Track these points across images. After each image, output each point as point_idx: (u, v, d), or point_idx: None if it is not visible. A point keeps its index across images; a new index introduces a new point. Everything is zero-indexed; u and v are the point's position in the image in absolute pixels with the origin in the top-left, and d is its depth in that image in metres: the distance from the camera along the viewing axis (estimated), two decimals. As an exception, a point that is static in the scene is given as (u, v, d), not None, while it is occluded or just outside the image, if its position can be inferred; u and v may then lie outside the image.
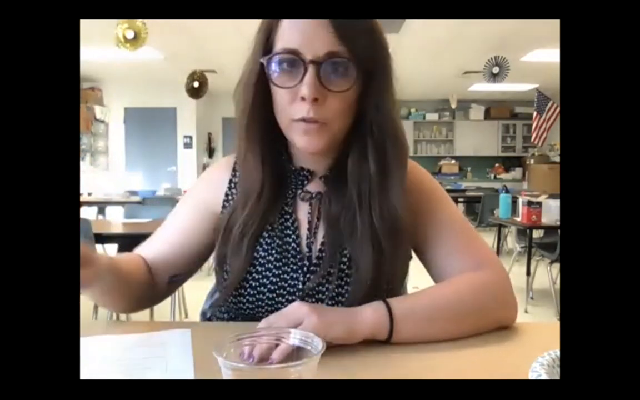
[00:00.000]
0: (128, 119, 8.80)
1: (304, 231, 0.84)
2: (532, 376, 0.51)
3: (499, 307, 0.79)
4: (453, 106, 9.26)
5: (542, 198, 4.12)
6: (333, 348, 0.65)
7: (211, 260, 0.88)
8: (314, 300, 0.79)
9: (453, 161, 10.03)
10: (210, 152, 9.63)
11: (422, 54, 6.16)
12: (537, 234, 4.36)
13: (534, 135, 7.17)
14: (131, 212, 3.81)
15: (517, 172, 9.98)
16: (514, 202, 4.41)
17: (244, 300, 0.81)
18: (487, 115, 10.13)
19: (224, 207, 0.87)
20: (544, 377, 0.50)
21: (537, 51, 6.03)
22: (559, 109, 6.85)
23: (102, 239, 2.95)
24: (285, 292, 0.80)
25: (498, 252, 5.21)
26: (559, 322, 0.67)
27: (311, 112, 0.73)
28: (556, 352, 0.54)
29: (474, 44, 5.82)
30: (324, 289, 0.79)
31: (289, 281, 0.80)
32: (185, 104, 8.20)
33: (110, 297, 0.81)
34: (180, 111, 8.65)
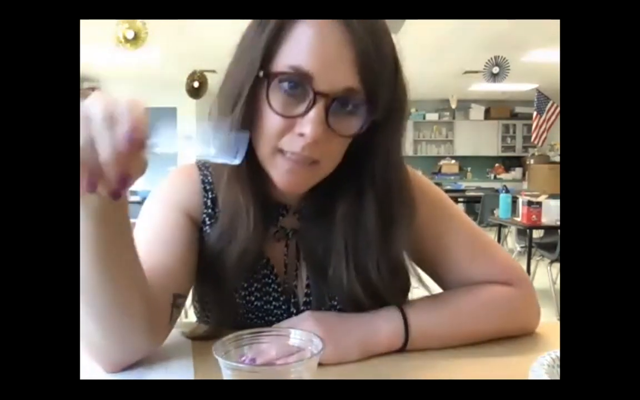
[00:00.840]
0: (128, 119, 8.79)
1: (280, 271, 0.75)
2: (532, 376, 0.51)
3: (519, 319, 0.75)
4: (453, 106, 9.25)
5: (542, 198, 4.12)
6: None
7: None
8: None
9: (453, 161, 10.02)
10: (210, 152, 9.62)
11: (422, 54, 6.15)
12: (537, 234, 4.36)
13: (534, 135, 7.18)
14: (131, 212, 3.77)
15: (517, 172, 9.97)
16: (514, 202, 4.41)
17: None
18: (487, 115, 10.12)
19: (203, 228, 0.74)
20: (544, 377, 0.50)
21: (537, 51, 6.03)
22: (559, 109, 6.85)
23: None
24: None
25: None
26: (559, 322, 0.67)
27: (306, 150, 0.61)
28: (556, 352, 0.54)
29: (474, 44, 5.81)
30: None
31: (279, 318, 0.75)
32: (185, 104, 8.20)
33: (118, 273, 0.56)
34: (180, 111, 8.65)
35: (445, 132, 10.22)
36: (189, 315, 0.83)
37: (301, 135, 0.60)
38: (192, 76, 6.79)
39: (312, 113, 0.59)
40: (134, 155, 0.45)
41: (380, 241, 0.69)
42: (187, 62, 6.64)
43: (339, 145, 0.64)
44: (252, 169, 0.66)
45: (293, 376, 0.49)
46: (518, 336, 0.75)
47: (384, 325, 0.68)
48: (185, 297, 0.70)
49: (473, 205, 6.95)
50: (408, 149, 9.55)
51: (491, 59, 6.00)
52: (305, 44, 0.59)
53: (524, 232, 4.45)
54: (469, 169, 10.17)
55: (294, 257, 0.76)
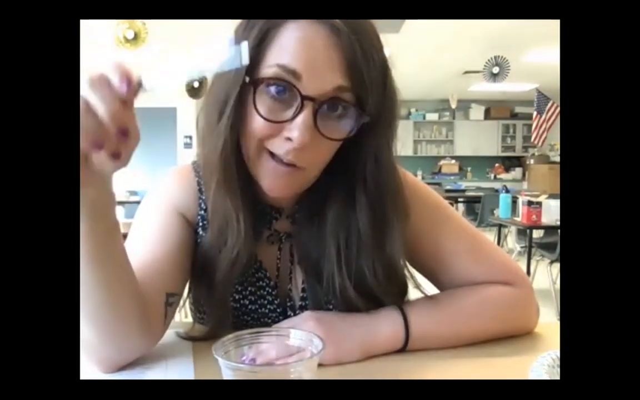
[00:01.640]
0: (128, 119, 8.80)
1: (273, 275, 0.75)
2: (532, 376, 0.51)
3: (518, 318, 0.76)
4: (453, 106, 9.25)
5: (542, 198, 4.13)
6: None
7: None
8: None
9: (453, 161, 10.03)
10: (210, 152, 9.63)
11: (422, 54, 6.15)
12: (537, 234, 4.36)
13: (534, 135, 7.18)
14: (131, 212, 3.80)
15: (517, 172, 9.98)
16: (514, 202, 4.42)
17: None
18: (487, 115, 10.13)
19: (197, 230, 0.74)
20: (544, 377, 0.50)
21: (537, 51, 6.03)
22: (559, 109, 6.85)
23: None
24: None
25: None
26: (559, 322, 0.67)
27: (291, 155, 0.61)
28: (556, 352, 0.54)
29: (474, 44, 5.82)
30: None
31: (275, 321, 0.74)
32: (185, 104, 8.20)
33: (112, 265, 0.56)
34: (180, 111, 8.65)
35: (445, 132, 10.23)
36: (188, 315, 0.83)
37: (289, 139, 0.60)
38: (192, 76, 6.79)
39: (300, 118, 0.59)
40: (128, 109, 0.47)
41: (374, 244, 0.68)
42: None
43: (327, 149, 0.64)
44: (241, 174, 0.66)
45: (293, 376, 0.49)
46: (518, 336, 0.75)
47: (384, 325, 0.68)
48: (178, 296, 0.70)
49: (473, 205, 6.96)
50: (408, 149, 9.72)
51: (491, 59, 6.01)
52: (293, 47, 0.59)
53: (524, 232, 4.45)
54: (469, 169, 10.18)
55: (287, 261, 0.75)
